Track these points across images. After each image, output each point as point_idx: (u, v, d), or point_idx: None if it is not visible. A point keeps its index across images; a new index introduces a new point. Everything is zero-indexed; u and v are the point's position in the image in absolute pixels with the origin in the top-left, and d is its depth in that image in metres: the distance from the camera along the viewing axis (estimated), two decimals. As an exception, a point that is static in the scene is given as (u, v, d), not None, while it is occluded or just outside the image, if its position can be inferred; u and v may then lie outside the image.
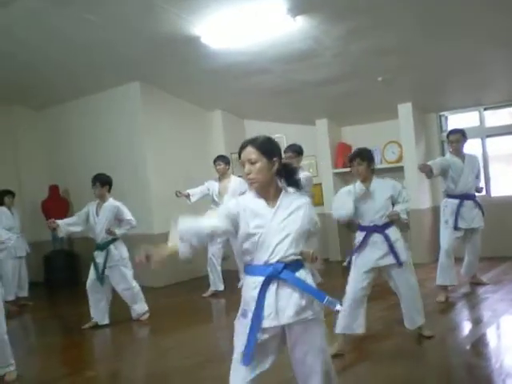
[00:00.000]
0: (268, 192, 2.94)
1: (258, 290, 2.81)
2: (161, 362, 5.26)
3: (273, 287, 2.82)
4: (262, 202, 2.92)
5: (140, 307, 6.93)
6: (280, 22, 6.31)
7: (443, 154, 9.32)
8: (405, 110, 9.27)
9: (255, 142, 2.94)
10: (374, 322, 5.60)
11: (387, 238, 4.84)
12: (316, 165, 10.32)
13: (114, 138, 9.67)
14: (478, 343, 5.02)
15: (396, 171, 9.50)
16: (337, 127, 10.37)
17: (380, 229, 4.87)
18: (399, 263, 4.84)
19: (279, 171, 2.97)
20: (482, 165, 8.99)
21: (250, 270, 2.92)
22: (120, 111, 9.52)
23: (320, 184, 10.09)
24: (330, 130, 10.15)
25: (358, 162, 4.90)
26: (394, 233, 4.90)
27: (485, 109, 9.29)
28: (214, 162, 8.25)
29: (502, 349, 4.89)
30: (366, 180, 4.93)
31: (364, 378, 4.45)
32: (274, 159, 2.94)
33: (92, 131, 10.08)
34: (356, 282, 4.89)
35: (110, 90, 9.42)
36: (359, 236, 4.99)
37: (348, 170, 9.61)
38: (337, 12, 6.25)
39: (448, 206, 6.74)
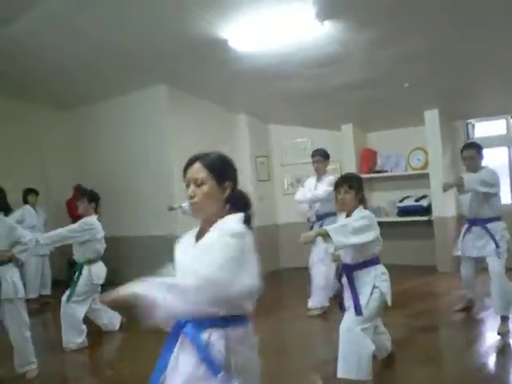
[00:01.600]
0: (212, 224, 2.37)
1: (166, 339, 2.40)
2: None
3: (178, 342, 2.37)
4: (191, 238, 2.47)
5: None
6: (308, 27, 6.29)
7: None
8: (431, 116, 9.18)
9: (205, 159, 2.45)
10: (397, 328, 5.56)
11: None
12: (340, 170, 10.26)
13: (140, 139, 9.70)
14: (504, 353, 4.97)
15: (421, 178, 9.44)
16: (362, 133, 10.31)
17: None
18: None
19: (230, 199, 2.45)
20: (508, 174, 8.89)
21: None
22: (146, 113, 9.55)
23: (344, 189, 10.01)
24: (355, 135, 10.09)
25: (346, 190, 4.22)
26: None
27: (512, 117, 9.17)
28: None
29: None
30: (351, 211, 4.22)
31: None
32: (226, 183, 2.44)
33: (117, 132, 10.13)
34: None
35: (136, 91, 9.45)
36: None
37: (373, 175, 9.54)
38: (364, 17, 6.22)
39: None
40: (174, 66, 8.14)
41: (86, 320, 6.18)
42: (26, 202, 8.80)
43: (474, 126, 9.66)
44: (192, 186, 2.39)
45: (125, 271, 9.79)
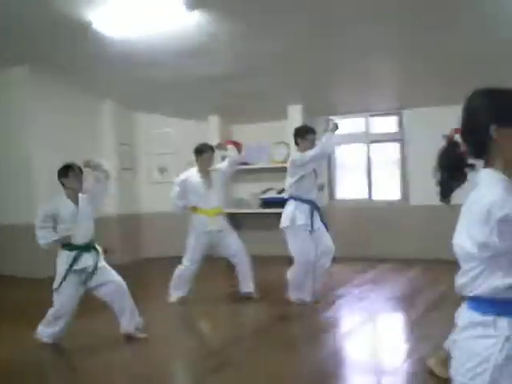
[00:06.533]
0: None
1: None
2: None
3: None
4: None
5: None
6: (176, 15, 6.23)
7: (329, 156, 9.64)
8: (294, 111, 9.47)
9: None
10: (257, 316, 5.69)
11: None
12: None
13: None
14: (353, 341, 5.22)
15: (283, 171, 9.64)
16: (228, 124, 10.40)
17: None
18: None
19: None
20: (366, 169, 9.38)
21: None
22: (3, 96, 9.06)
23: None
24: (221, 126, 10.17)
25: None
26: None
27: (371, 115, 9.62)
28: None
29: (376, 347, 5.09)
30: None
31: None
32: None
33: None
34: None
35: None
36: None
37: (237, 167, 9.60)
38: (233, 10, 6.26)
39: None
40: (34, 46, 7.73)
41: None
42: None
43: (334, 122, 10.06)
44: None
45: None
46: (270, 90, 8.51)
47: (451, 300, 6.24)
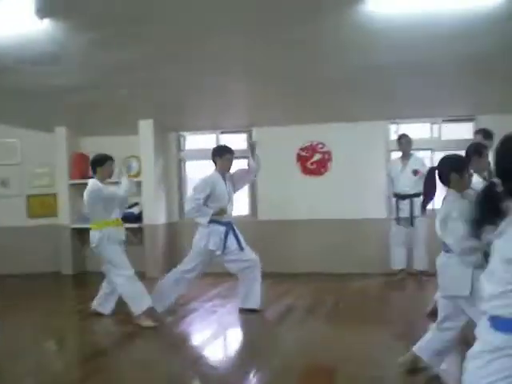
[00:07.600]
0: None
1: None
2: None
3: None
4: None
5: None
6: (27, 22, 6.01)
7: (180, 172, 9.73)
8: (146, 126, 9.44)
9: None
10: (108, 335, 5.59)
11: None
12: (52, 174, 9.95)
13: None
14: (207, 354, 5.28)
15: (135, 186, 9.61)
16: (76, 137, 10.11)
17: None
18: None
19: None
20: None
21: None
22: None
23: (55, 194, 9.81)
24: (68, 138, 9.89)
25: None
26: None
27: (221, 132, 9.78)
28: None
29: (227, 360, 5.19)
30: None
31: None
32: None
33: None
34: None
35: None
36: None
37: (86, 181, 9.35)
38: (84, 21, 6.09)
39: None
40: None
41: None
42: None
43: (185, 138, 10.14)
44: None
45: None
46: (120, 103, 8.41)
47: (296, 313, 6.62)
